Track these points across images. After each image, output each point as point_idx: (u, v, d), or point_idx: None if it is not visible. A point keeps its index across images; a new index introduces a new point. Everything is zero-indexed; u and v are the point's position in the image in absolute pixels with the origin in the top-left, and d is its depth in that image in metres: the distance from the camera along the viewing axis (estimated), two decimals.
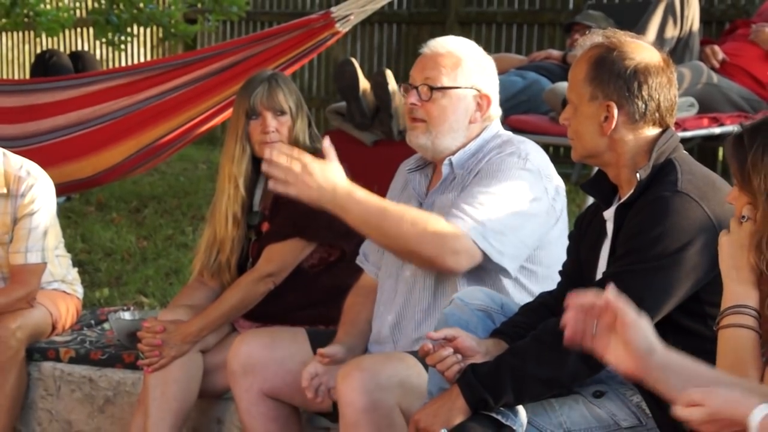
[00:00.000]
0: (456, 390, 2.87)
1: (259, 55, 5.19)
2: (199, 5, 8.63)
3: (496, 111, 3.47)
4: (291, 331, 3.76)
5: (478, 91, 3.42)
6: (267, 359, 3.64)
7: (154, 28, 9.61)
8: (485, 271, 3.32)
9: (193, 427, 4.13)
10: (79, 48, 11.11)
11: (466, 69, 3.41)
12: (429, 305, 3.39)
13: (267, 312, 3.92)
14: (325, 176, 3.14)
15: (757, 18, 6.73)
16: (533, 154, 3.37)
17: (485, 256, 3.23)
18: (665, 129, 2.94)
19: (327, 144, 3.19)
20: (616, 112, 2.89)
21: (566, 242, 3.37)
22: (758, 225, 2.41)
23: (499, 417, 2.83)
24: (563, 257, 3.28)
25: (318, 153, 3.90)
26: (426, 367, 3.12)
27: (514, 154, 3.34)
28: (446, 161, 3.41)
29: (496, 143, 3.41)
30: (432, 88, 3.39)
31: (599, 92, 2.90)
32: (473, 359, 2.91)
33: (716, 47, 6.48)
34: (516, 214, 3.28)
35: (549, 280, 3.35)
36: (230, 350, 3.69)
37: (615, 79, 2.89)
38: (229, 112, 4.53)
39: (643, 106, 2.90)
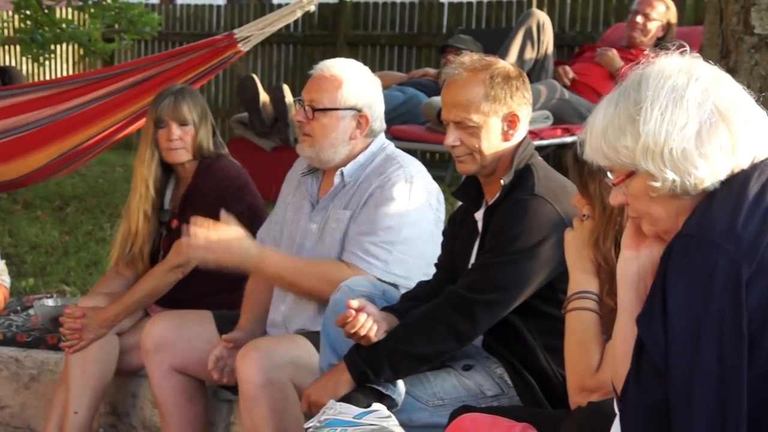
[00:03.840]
0: (342, 365, 2.88)
1: (169, 71, 5.10)
2: (116, 26, 8.47)
3: (379, 126, 3.41)
4: (198, 313, 3.73)
5: (358, 111, 3.36)
6: (176, 338, 3.61)
7: (75, 46, 9.44)
8: None
9: (111, 402, 4.08)
10: (7, 63, 10.84)
11: (346, 92, 3.34)
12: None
13: (176, 298, 3.87)
14: (241, 247, 3.21)
15: (602, 43, 6.87)
16: (417, 175, 3.33)
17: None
18: (524, 137, 2.96)
19: (224, 217, 3.26)
20: (519, 117, 2.90)
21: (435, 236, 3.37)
22: (595, 224, 2.44)
23: (380, 388, 2.85)
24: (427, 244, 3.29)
25: (222, 157, 3.89)
26: (316, 346, 3.11)
27: (401, 177, 3.29)
28: (338, 172, 3.36)
29: (381, 157, 3.37)
30: (314, 109, 3.35)
31: (502, 106, 2.88)
32: (379, 326, 2.88)
33: (567, 68, 6.59)
34: (412, 238, 3.26)
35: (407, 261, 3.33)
36: (143, 330, 3.66)
37: (513, 90, 2.88)
38: (142, 122, 4.46)
39: (529, 108, 2.93)
